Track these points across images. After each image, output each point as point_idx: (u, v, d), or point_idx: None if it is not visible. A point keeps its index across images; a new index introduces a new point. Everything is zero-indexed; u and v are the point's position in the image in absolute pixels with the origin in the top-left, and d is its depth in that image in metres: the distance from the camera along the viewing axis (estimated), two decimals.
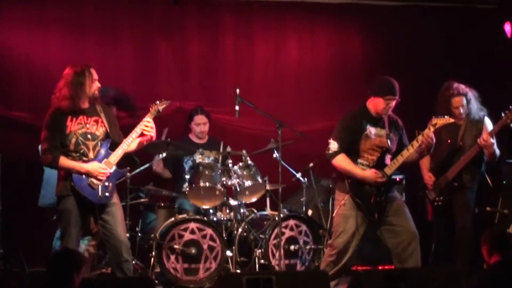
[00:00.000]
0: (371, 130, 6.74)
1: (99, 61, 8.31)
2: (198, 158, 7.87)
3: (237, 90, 7.19)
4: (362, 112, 6.81)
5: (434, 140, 6.67)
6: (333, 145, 6.72)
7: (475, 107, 7.44)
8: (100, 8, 8.76)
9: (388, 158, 6.78)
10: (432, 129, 6.63)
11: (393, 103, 6.72)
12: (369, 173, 6.66)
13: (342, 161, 6.71)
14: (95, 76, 6.45)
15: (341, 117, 6.96)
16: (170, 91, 8.77)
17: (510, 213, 7.77)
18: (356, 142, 6.73)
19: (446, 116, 6.78)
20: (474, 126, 7.43)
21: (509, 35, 8.82)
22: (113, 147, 6.52)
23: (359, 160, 6.74)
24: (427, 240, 7.45)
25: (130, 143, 6.51)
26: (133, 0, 8.92)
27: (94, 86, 6.43)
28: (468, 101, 7.41)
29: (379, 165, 6.72)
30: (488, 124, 7.45)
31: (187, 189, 7.75)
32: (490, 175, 7.82)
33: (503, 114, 7.19)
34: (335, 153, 6.71)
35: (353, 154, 6.74)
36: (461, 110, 7.41)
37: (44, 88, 8.16)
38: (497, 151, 7.37)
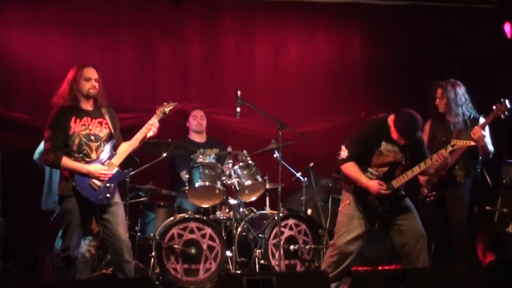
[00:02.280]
0: (386, 146, 6.63)
1: (99, 61, 8.28)
2: (198, 157, 7.88)
3: (238, 92, 7.22)
4: (381, 127, 6.66)
5: (449, 160, 6.68)
6: (344, 152, 6.67)
7: (460, 103, 7.45)
8: (100, 8, 8.76)
9: (399, 171, 6.72)
10: (449, 149, 6.59)
11: (403, 141, 6.64)
12: (374, 184, 6.60)
13: (350, 169, 6.66)
14: (87, 74, 6.45)
15: (361, 123, 6.94)
16: (170, 91, 8.78)
17: (510, 212, 7.78)
18: (368, 154, 6.66)
19: (466, 141, 6.78)
20: (469, 125, 7.45)
21: (509, 35, 8.81)
22: (116, 148, 6.54)
23: (369, 169, 6.67)
24: (427, 240, 7.46)
25: (135, 144, 6.54)
26: (133, 0, 8.93)
27: (88, 85, 6.43)
28: (447, 92, 7.43)
29: (388, 176, 6.66)
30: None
31: (187, 188, 7.76)
32: (490, 174, 7.83)
33: (494, 107, 7.27)
34: (344, 160, 6.66)
35: (364, 163, 6.67)
36: (440, 101, 7.47)
37: (44, 88, 8.18)
38: (490, 147, 7.38)
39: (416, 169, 6.64)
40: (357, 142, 6.70)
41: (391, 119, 6.65)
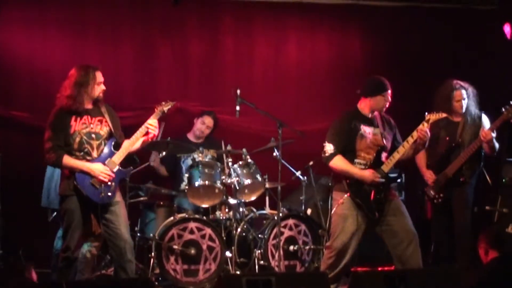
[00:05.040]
0: (365, 129, 6.73)
1: (99, 61, 8.30)
2: (197, 156, 7.88)
3: (238, 91, 7.22)
4: (354, 114, 6.82)
5: (429, 135, 6.68)
6: (329, 147, 6.72)
7: (473, 103, 7.50)
8: (100, 8, 8.76)
9: (384, 156, 6.78)
10: (426, 124, 6.65)
11: (390, 96, 6.79)
12: (367, 173, 6.65)
13: (339, 162, 6.69)
14: (100, 78, 6.46)
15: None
16: (170, 91, 8.80)
17: (509, 212, 7.78)
18: (352, 142, 6.72)
19: (439, 112, 6.82)
20: (473, 123, 7.46)
21: (508, 36, 8.81)
22: (116, 146, 6.54)
23: (356, 160, 6.72)
24: (426, 240, 7.46)
25: (134, 142, 6.54)
26: (133, 0, 8.93)
27: (99, 89, 6.45)
28: (468, 94, 7.46)
29: (376, 163, 6.71)
30: (486, 122, 7.49)
31: (186, 187, 7.75)
32: (490, 174, 7.83)
33: (503, 109, 7.26)
34: (331, 156, 6.70)
35: (350, 154, 6.72)
36: (463, 103, 7.44)
37: (44, 88, 8.24)
38: (497, 144, 7.40)
39: (401, 149, 6.72)
40: (337, 133, 6.77)
41: (360, 103, 6.83)
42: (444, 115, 6.82)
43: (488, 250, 6.02)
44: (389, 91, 6.79)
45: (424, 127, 6.64)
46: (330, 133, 6.80)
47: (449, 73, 7.76)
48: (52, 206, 7.68)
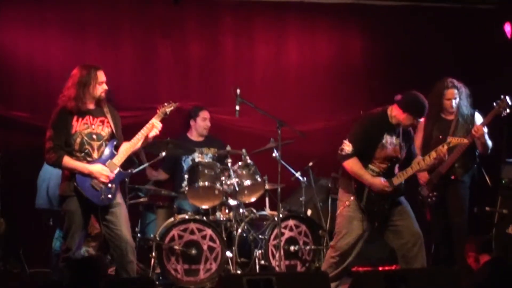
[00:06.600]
0: (388, 139, 6.63)
1: (99, 61, 8.25)
2: (197, 157, 7.87)
3: (238, 90, 7.20)
4: (382, 118, 6.68)
5: (446, 157, 6.79)
6: (348, 147, 6.61)
7: (465, 103, 7.50)
8: (100, 8, 8.74)
9: (397, 167, 6.76)
10: (446, 147, 6.64)
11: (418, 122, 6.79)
12: (378, 181, 6.60)
13: (353, 165, 6.61)
14: (102, 78, 6.43)
15: (359, 117, 6.92)
16: (170, 91, 8.79)
17: (509, 213, 7.77)
18: (371, 148, 6.62)
19: (461, 137, 6.85)
20: (466, 122, 7.46)
21: (509, 35, 8.81)
22: (118, 148, 6.52)
23: (370, 166, 6.65)
24: (426, 241, 7.46)
25: (136, 144, 6.52)
26: (133, 0, 8.93)
27: (100, 89, 6.42)
28: (459, 94, 7.46)
29: (388, 173, 6.68)
30: (479, 120, 7.48)
31: (186, 188, 7.75)
32: (489, 175, 7.82)
33: (495, 104, 7.27)
34: (348, 156, 6.60)
35: (366, 159, 6.64)
36: (453, 103, 7.45)
37: (44, 88, 8.25)
38: (489, 142, 7.40)
39: (415, 166, 6.71)
40: (361, 136, 6.65)
41: (392, 109, 6.67)
42: (465, 141, 6.86)
43: (478, 257, 6.02)
44: (423, 119, 6.79)
45: (444, 149, 6.65)
46: (354, 133, 6.69)
47: (448, 71, 7.77)
48: (43, 207, 7.67)
